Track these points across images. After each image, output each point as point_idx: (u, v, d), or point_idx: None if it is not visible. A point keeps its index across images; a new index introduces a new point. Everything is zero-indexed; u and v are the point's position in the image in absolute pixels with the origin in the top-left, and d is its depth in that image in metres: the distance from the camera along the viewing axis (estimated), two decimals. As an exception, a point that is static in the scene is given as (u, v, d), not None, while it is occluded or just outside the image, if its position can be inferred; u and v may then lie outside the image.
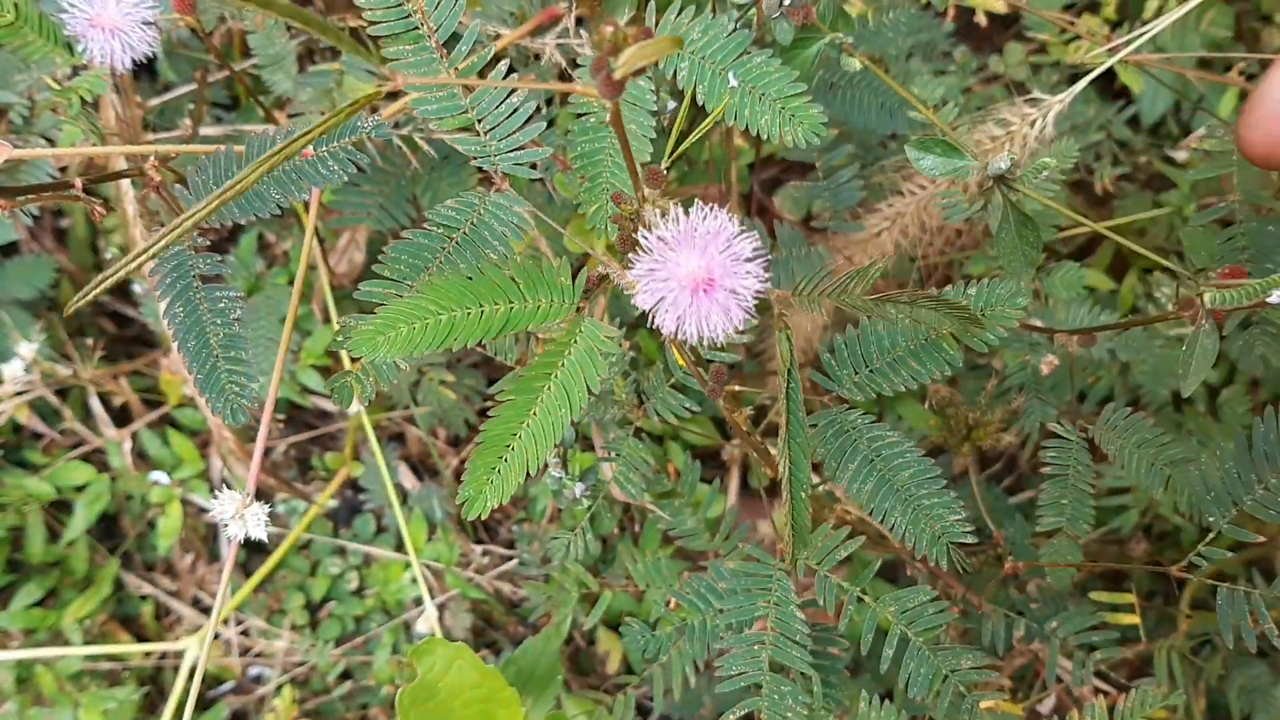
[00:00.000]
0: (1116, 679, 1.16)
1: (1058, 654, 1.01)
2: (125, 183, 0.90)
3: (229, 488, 0.77)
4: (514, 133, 0.72)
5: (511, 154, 0.72)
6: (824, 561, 0.87)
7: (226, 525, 0.72)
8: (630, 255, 0.53)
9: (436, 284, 0.59)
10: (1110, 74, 1.21)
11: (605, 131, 0.79)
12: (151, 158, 0.66)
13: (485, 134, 0.72)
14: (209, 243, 0.69)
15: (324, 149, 0.66)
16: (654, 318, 0.52)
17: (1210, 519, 0.96)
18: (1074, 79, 1.43)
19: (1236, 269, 0.92)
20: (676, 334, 0.51)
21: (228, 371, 0.69)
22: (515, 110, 0.72)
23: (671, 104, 0.76)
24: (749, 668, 0.85)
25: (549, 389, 0.63)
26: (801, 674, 0.85)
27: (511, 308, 0.62)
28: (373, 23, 0.70)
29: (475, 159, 0.72)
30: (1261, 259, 0.85)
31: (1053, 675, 1.02)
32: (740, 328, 0.51)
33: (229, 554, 0.81)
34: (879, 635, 0.85)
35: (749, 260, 0.49)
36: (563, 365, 0.62)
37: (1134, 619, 0.94)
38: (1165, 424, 1.26)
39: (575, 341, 0.62)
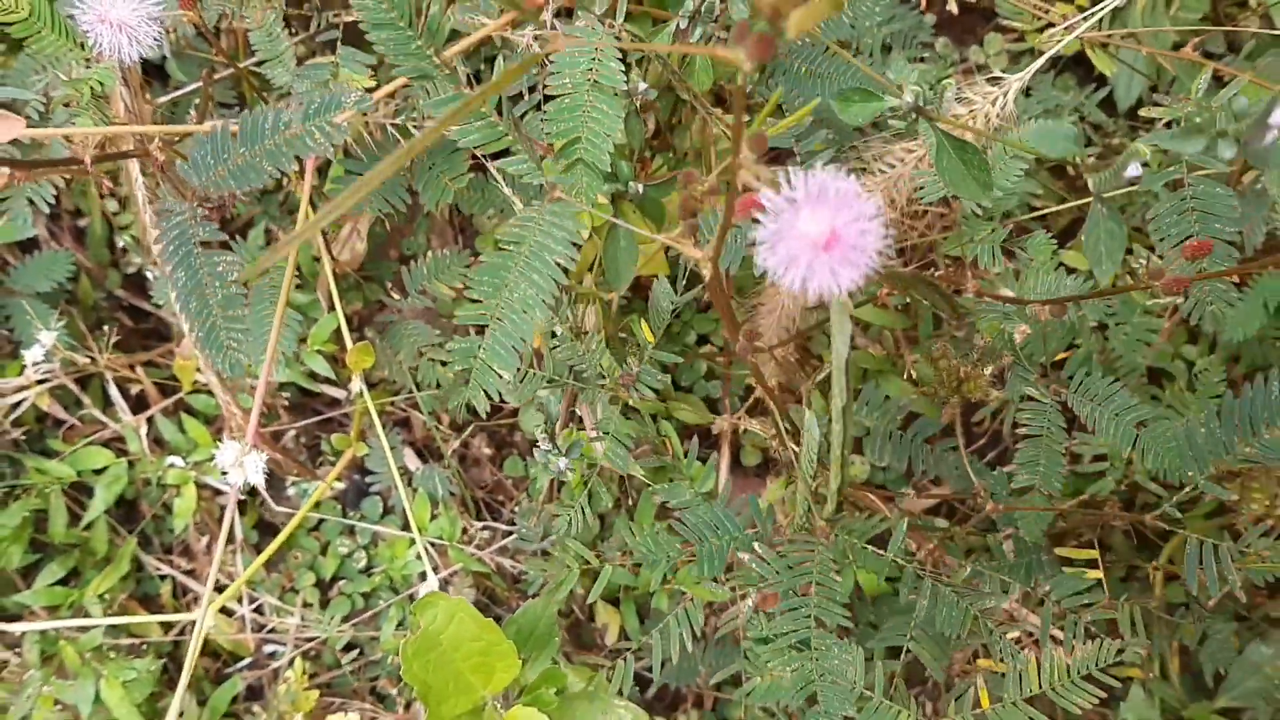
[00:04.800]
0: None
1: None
2: (135, 170, 0.96)
3: (239, 462, 0.82)
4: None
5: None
6: (861, 536, 1.01)
7: (227, 473, 0.77)
8: (755, 218, 0.53)
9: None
10: (1091, 59, 1.25)
11: (579, 113, 0.84)
12: (156, 138, 0.72)
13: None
14: (205, 212, 0.75)
15: (311, 123, 0.71)
16: (777, 276, 0.52)
17: (1190, 474, 1.02)
18: (1054, 66, 1.47)
19: (1202, 245, 0.98)
20: (805, 292, 0.52)
21: (226, 329, 0.74)
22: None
23: (642, 86, 0.81)
24: (798, 627, 0.96)
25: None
26: (841, 628, 0.97)
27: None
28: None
29: (523, 177, 0.78)
30: (1207, 214, 0.94)
31: (1046, 638, 1.06)
32: (863, 283, 0.52)
33: (230, 504, 0.87)
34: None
35: (872, 219, 0.50)
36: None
37: (1097, 574, 0.98)
38: (1141, 395, 1.30)
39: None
